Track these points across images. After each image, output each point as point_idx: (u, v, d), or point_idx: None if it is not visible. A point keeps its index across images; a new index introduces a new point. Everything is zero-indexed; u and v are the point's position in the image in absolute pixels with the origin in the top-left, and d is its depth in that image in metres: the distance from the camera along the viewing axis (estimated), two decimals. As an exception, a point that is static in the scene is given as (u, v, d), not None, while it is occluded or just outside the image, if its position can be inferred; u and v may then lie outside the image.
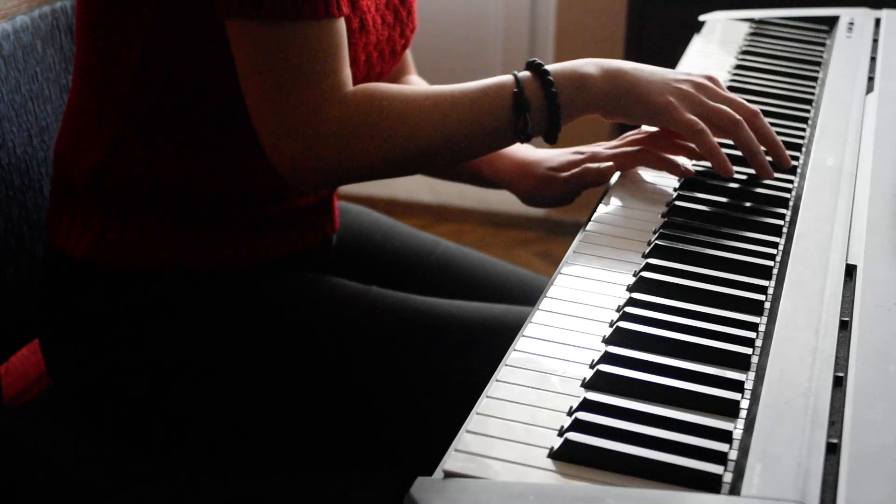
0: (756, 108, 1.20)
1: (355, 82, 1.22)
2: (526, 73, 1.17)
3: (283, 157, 1.14)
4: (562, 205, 1.32)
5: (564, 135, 1.20)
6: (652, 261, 1.03)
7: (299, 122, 1.12)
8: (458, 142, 1.16)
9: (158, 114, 1.22)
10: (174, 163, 1.23)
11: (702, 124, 1.16)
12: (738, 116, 1.17)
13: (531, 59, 1.18)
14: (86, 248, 1.25)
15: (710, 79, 1.21)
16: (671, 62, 1.52)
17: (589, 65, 1.18)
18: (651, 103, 1.16)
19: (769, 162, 1.18)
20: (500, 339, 1.11)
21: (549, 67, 1.17)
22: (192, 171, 1.23)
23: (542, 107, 1.16)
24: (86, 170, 1.25)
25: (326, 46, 1.13)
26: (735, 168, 1.18)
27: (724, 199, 1.14)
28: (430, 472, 0.76)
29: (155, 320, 1.25)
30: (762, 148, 1.18)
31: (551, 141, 1.18)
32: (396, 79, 1.47)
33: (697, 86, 1.19)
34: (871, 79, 1.40)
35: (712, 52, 1.55)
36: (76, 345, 1.28)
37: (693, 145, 1.18)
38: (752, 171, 1.19)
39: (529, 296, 1.41)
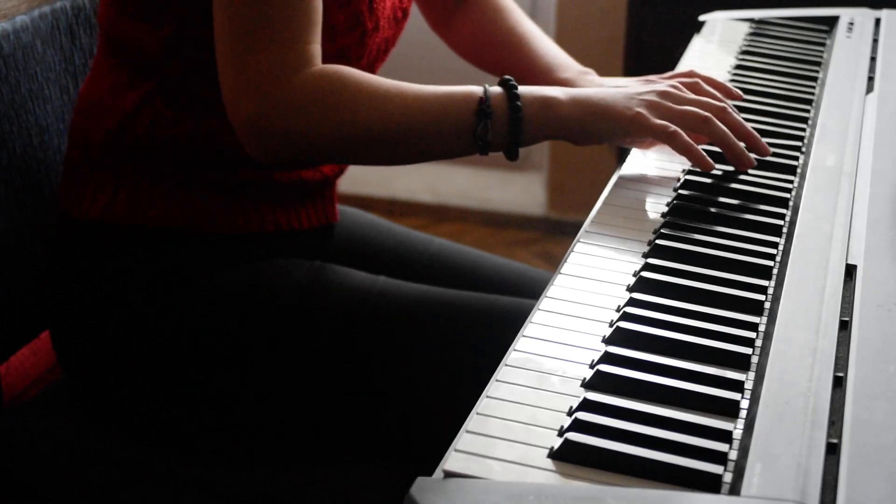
0: (724, 104, 1.21)
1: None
2: (495, 87, 1.20)
3: (240, 115, 1.16)
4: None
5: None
6: (652, 261, 1.03)
7: (259, 82, 1.15)
8: (416, 136, 1.19)
9: (188, 79, 1.26)
10: (195, 122, 1.26)
11: (673, 126, 1.17)
12: (706, 113, 1.19)
13: (505, 77, 1.21)
14: (99, 210, 1.28)
15: (673, 85, 1.23)
16: (671, 62, 1.52)
17: (556, 90, 1.20)
18: (620, 119, 1.18)
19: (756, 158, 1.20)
20: (506, 329, 1.11)
21: (519, 87, 1.19)
22: (211, 131, 1.26)
23: (505, 119, 1.18)
24: (105, 130, 1.28)
25: (301, 15, 1.16)
26: (732, 168, 1.19)
27: (724, 199, 1.15)
28: (431, 468, 0.76)
29: (165, 288, 1.27)
30: (741, 143, 1.19)
31: (511, 158, 1.20)
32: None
33: (662, 94, 1.21)
34: (871, 79, 1.40)
35: (712, 52, 1.55)
36: (87, 322, 1.29)
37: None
38: (753, 172, 1.19)
39: (526, 289, 1.43)
